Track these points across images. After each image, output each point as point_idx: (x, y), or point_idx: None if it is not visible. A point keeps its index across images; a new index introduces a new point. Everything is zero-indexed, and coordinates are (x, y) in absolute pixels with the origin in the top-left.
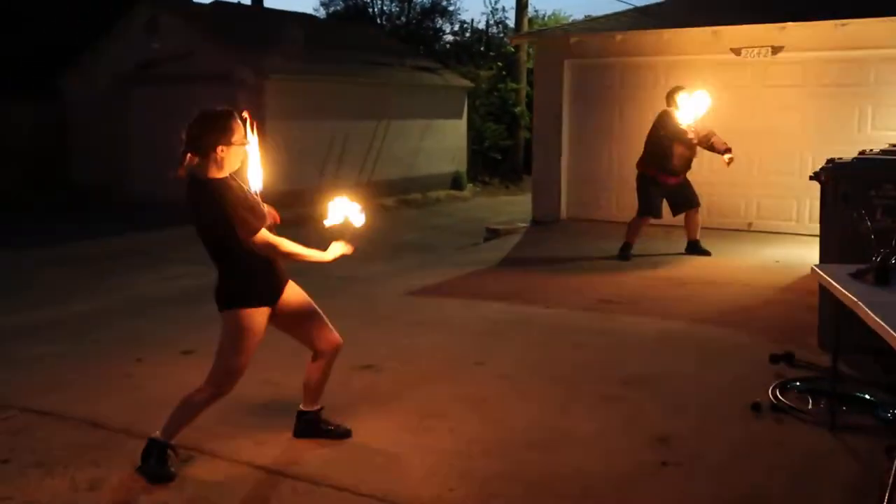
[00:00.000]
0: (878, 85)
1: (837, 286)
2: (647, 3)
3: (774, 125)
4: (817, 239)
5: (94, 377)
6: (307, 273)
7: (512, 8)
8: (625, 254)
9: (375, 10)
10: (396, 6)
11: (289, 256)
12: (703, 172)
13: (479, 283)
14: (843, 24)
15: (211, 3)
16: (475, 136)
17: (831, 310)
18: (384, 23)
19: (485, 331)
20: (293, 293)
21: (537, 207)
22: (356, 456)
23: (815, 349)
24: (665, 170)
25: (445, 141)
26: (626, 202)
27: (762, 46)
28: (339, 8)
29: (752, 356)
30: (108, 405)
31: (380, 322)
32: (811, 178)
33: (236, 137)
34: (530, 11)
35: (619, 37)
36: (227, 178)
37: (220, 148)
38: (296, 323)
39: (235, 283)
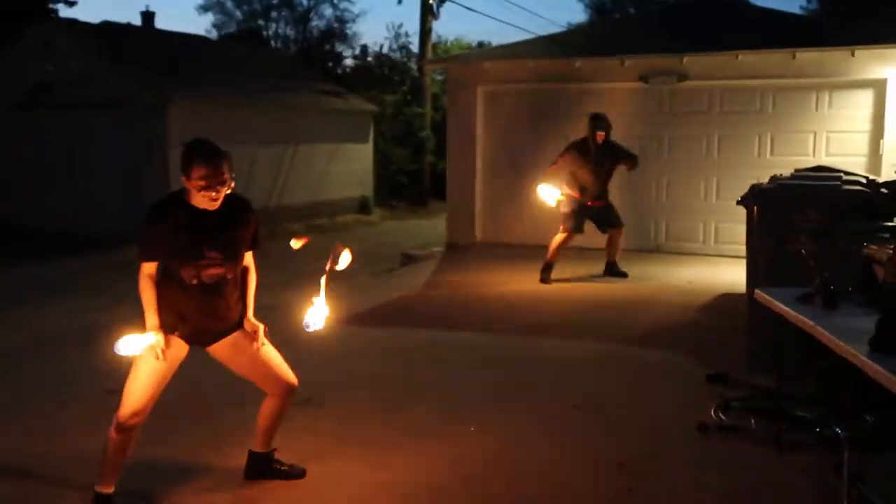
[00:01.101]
0: (775, 113)
1: (791, 311)
2: (549, 31)
3: (681, 150)
4: (724, 259)
5: (16, 425)
6: None
7: (415, 33)
8: (545, 276)
9: (270, 32)
10: (292, 29)
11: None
12: (613, 195)
13: (406, 310)
14: (737, 57)
15: (100, 24)
16: (381, 161)
17: (773, 331)
18: (280, 46)
19: (421, 358)
20: (231, 346)
21: (452, 231)
22: (315, 498)
23: (745, 368)
24: None
25: (352, 165)
26: (539, 225)
27: (668, 74)
28: (232, 31)
29: (688, 376)
30: (37, 455)
31: (310, 352)
32: (738, 202)
33: (190, 174)
34: (433, 37)
35: (531, 63)
36: (182, 201)
37: (182, 177)
38: (239, 367)
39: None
